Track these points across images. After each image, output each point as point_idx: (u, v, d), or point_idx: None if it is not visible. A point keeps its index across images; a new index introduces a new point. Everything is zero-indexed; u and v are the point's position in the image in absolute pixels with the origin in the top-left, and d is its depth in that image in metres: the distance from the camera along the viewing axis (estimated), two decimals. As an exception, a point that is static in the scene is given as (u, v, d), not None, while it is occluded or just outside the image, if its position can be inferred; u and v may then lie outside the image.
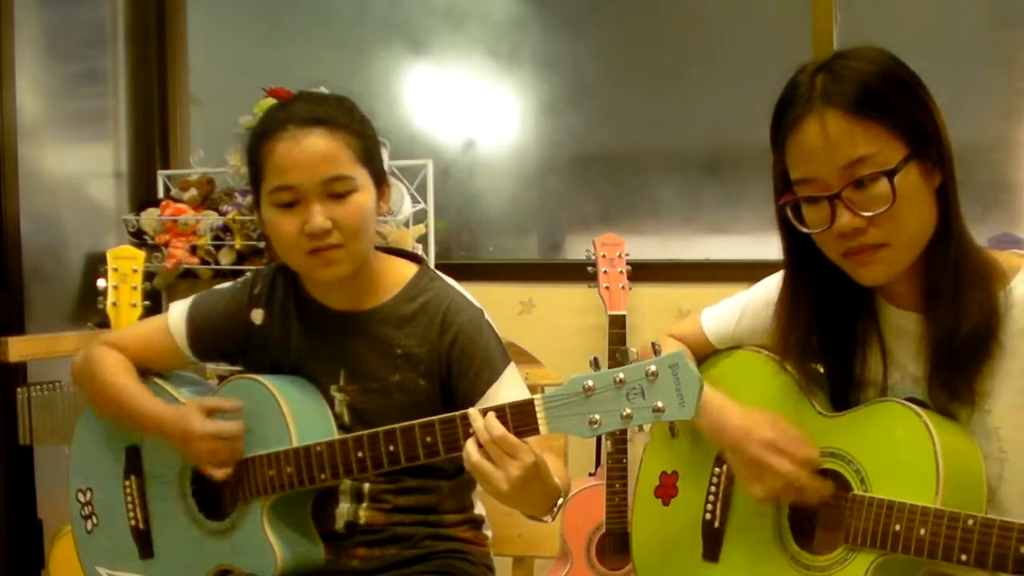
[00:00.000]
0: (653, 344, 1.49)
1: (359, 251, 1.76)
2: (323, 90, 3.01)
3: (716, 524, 1.72)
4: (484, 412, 1.56)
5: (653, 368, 1.43)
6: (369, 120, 1.82)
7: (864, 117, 1.42)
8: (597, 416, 1.47)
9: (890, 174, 1.43)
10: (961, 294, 1.48)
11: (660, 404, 1.43)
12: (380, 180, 1.80)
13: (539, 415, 1.52)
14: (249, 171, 1.81)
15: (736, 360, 1.76)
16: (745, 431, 1.61)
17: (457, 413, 1.60)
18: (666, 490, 1.80)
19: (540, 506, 1.64)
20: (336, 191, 1.71)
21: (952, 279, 1.48)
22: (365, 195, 1.74)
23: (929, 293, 1.51)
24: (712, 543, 1.73)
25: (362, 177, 1.74)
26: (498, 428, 1.52)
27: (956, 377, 1.49)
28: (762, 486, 1.59)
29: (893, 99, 1.44)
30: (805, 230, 1.49)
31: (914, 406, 1.51)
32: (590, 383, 1.47)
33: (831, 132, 1.43)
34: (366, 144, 1.77)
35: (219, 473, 1.76)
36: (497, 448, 1.52)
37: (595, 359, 1.51)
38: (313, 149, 1.70)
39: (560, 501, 1.63)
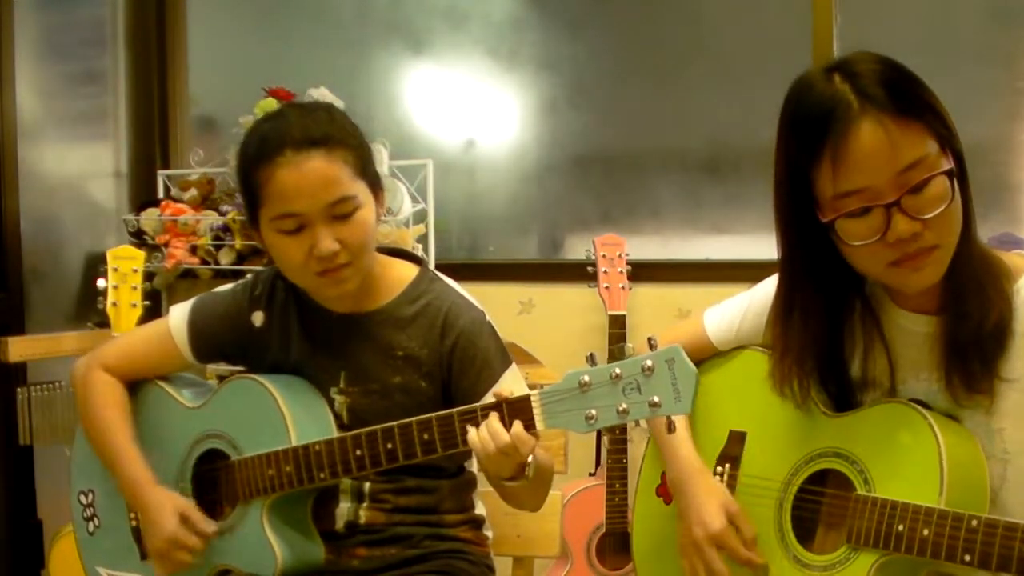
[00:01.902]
0: (649, 339, 1.49)
1: (366, 265, 1.76)
2: (323, 91, 3.04)
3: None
4: (484, 411, 1.56)
5: (649, 363, 1.43)
6: (358, 127, 1.78)
7: (907, 117, 1.40)
8: (593, 411, 1.47)
9: (950, 174, 1.41)
10: (985, 288, 1.47)
11: (656, 399, 1.43)
12: (376, 187, 1.78)
13: (536, 411, 1.52)
14: (243, 192, 1.78)
15: (741, 360, 1.76)
16: (698, 513, 1.66)
17: (455, 410, 1.61)
18: (667, 489, 1.80)
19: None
20: (341, 212, 1.69)
21: (977, 274, 1.48)
22: (367, 210, 1.73)
23: (953, 290, 1.49)
24: (713, 542, 1.73)
25: (362, 192, 1.73)
26: (501, 436, 1.53)
27: (978, 370, 1.48)
28: (689, 569, 1.67)
29: (921, 96, 1.43)
30: (854, 243, 1.44)
31: (919, 407, 1.51)
32: (586, 378, 1.47)
33: (889, 136, 1.39)
34: (360, 155, 1.74)
35: (160, 572, 1.81)
36: (501, 451, 1.53)
37: (591, 355, 1.51)
38: (315, 175, 1.67)
39: (531, 458, 1.61)
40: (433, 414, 1.62)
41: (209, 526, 1.78)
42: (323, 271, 1.71)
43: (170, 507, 1.79)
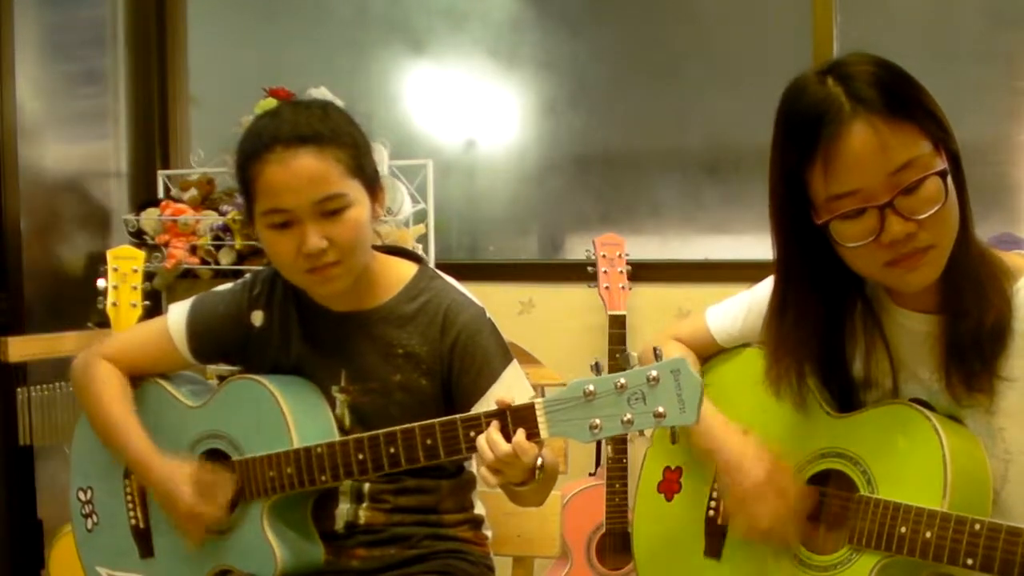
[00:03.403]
0: (655, 349, 1.49)
1: (357, 264, 1.75)
2: (323, 91, 3.03)
3: (719, 521, 1.72)
4: (488, 418, 1.56)
5: (654, 373, 1.43)
6: (357, 125, 1.79)
7: (900, 118, 1.40)
8: (598, 421, 1.47)
9: (943, 174, 1.41)
10: (984, 287, 1.48)
11: (661, 409, 1.43)
12: (373, 186, 1.78)
13: (539, 419, 1.52)
14: (239, 187, 1.79)
15: (745, 358, 1.75)
16: (738, 464, 1.63)
17: (458, 416, 1.61)
18: (669, 486, 1.80)
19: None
20: (329, 209, 1.69)
21: (976, 273, 1.48)
22: (359, 208, 1.73)
23: (951, 290, 1.49)
24: (715, 540, 1.72)
25: (354, 190, 1.73)
26: (500, 446, 1.53)
27: (978, 369, 1.48)
28: (751, 523, 1.62)
29: (914, 96, 1.43)
30: (850, 245, 1.45)
31: (923, 409, 1.51)
32: (591, 388, 1.47)
33: (880, 138, 1.39)
34: (355, 154, 1.74)
35: (190, 544, 1.80)
36: (502, 461, 1.53)
37: (596, 364, 1.51)
38: (303, 171, 1.68)
39: (540, 461, 1.60)
40: (436, 420, 1.62)
41: (225, 483, 1.77)
42: (311, 268, 1.71)
43: (182, 478, 1.78)
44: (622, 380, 1.45)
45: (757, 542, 1.63)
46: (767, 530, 1.60)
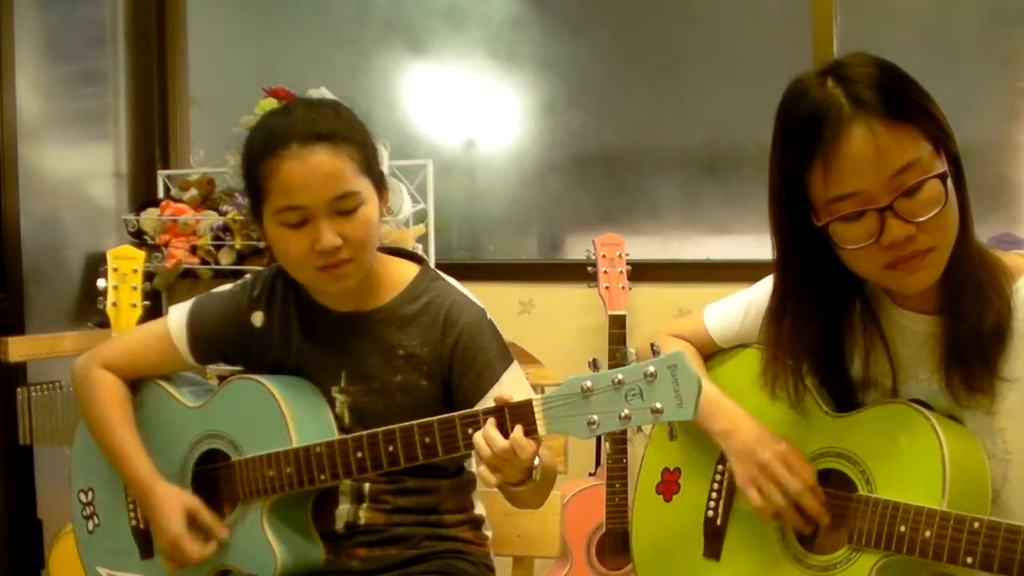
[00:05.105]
0: (652, 345, 1.49)
1: (367, 262, 1.76)
2: (323, 91, 3.03)
3: (718, 521, 1.72)
4: (486, 415, 1.56)
5: (652, 369, 1.43)
6: (364, 124, 1.80)
7: (900, 121, 1.40)
8: (595, 417, 1.47)
9: (943, 176, 1.41)
10: (984, 288, 1.48)
11: (658, 405, 1.43)
12: (380, 185, 1.79)
13: (537, 416, 1.53)
14: (248, 185, 1.78)
15: (743, 359, 1.75)
16: (758, 438, 1.62)
17: (456, 414, 1.61)
18: (668, 487, 1.80)
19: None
20: (344, 207, 1.70)
21: (975, 274, 1.48)
22: (371, 206, 1.74)
23: (951, 291, 1.49)
24: (713, 541, 1.73)
25: (366, 188, 1.73)
26: (498, 442, 1.53)
27: (977, 370, 1.48)
28: (766, 497, 1.60)
29: (915, 99, 1.43)
30: (849, 247, 1.44)
31: (922, 408, 1.51)
32: (588, 384, 1.47)
33: (878, 141, 1.39)
34: (366, 153, 1.75)
35: (170, 568, 1.81)
36: (500, 458, 1.53)
37: (594, 360, 1.51)
38: (319, 168, 1.68)
39: (537, 461, 1.61)
40: (435, 417, 1.62)
41: (220, 528, 1.79)
42: (324, 266, 1.71)
43: (179, 506, 1.79)
44: (619, 376, 1.45)
45: (767, 520, 1.62)
46: (782, 508, 1.59)
